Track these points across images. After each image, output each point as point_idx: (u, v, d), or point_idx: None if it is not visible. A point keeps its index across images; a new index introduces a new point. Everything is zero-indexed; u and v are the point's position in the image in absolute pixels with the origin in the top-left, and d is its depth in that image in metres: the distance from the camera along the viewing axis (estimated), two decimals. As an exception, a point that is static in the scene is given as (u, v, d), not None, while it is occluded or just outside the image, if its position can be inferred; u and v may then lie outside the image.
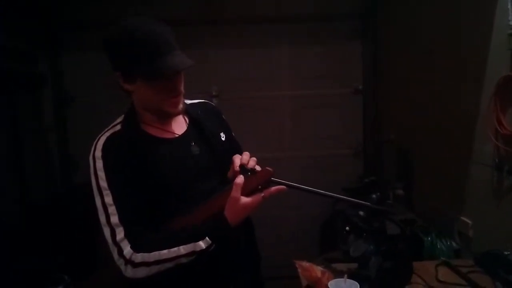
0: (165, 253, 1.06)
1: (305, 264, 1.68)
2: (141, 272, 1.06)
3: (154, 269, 1.06)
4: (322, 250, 3.19)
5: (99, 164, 1.11)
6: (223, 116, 1.40)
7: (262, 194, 1.12)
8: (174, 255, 1.06)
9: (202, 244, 1.07)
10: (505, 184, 1.71)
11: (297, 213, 3.43)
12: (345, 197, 1.24)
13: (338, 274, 1.66)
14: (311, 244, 3.37)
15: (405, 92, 2.77)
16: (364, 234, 1.82)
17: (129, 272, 1.06)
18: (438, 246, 2.00)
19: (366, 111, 3.35)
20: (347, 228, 1.78)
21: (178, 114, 1.21)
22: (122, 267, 1.07)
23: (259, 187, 1.14)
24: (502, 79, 1.66)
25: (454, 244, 2.02)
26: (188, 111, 1.28)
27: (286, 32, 3.26)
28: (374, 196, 1.85)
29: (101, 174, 1.10)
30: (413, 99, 2.62)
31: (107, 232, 1.08)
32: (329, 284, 1.39)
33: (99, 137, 1.16)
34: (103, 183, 1.10)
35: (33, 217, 2.70)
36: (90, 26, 3.08)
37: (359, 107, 3.36)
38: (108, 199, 1.09)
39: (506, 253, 1.65)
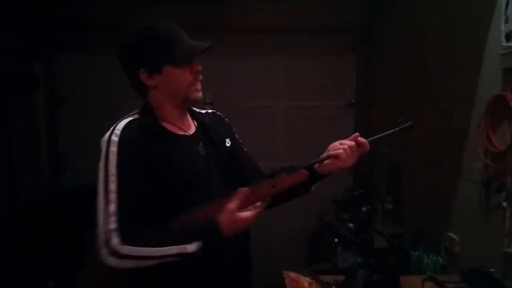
0: (153, 250, 1.06)
1: (293, 274, 1.69)
2: (126, 264, 1.06)
3: (139, 263, 1.07)
4: (310, 261, 3.19)
5: (114, 148, 1.12)
6: (231, 125, 1.45)
7: (258, 209, 1.14)
8: (161, 253, 1.07)
9: (190, 248, 1.08)
10: (492, 202, 1.73)
11: (286, 224, 3.42)
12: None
13: (325, 285, 1.66)
14: (299, 255, 3.36)
15: (397, 107, 2.80)
16: (353, 247, 1.83)
17: (112, 262, 1.06)
18: (425, 261, 2.01)
19: (358, 124, 3.37)
20: (335, 240, 1.79)
21: (200, 100, 1.25)
22: (105, 256, 1.06)
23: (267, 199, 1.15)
24: (493, 98, 1.69)
25: (440, 259, 2.03)
26: (196, 116, 1.34)
27: (282, 43, 3.28)
28: (364, 208, 1.86)
29: (113, 158, 1.11)
30: (405, 114, 2.64)
31: (100, 217, 1.08)
32: (316, 295, 1.39)
33: (118, 122, 1.18)
34: (112, 168, 1.10)
35: (22, 218, 2.67)
36: (86, 27, 3.09)
37: (350, 120, 3.39)
38: (113, 185, 1.09)
39: (491, 270, 1.66)
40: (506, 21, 1.64)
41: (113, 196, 1.08)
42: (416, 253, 2.05)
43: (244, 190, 1.13)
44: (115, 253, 1.05)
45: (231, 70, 3.26)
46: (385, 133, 1.27)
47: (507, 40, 1.64)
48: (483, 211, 1.80)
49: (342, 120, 3.36)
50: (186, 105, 1.28)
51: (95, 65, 3.12)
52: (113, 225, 1.06)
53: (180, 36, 1.20)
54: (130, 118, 1.21)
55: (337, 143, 1.23)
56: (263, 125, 3.32)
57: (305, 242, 3.37)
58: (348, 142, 1.21)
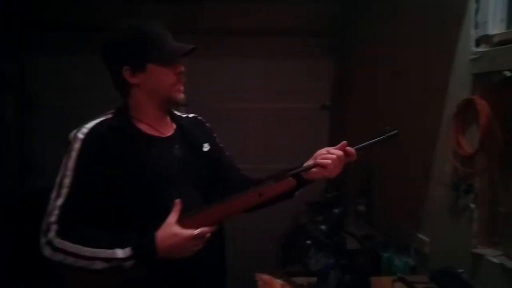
0: (84, 249, 1.06)
1: (265, 277, 1.68)
2: (58, 257, 1.07)
3: (70, 260, 1.06)
4: (283, 263, 3.18)
5: (77, 145, 1.13)
6: (212, 130, 1.45)
7: (196, 231, 1.09)
8: (91, 254, 1.06)
9: (120, 253, 1.05)
10: (461, 204, 1.77)
11: (260, 227, 3.41)
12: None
13: (297, 287, 1.66)
14: (273, 258, 3.36)
15: (370, 110, 2.84)
16: (325, 248, 1.83)
17: (47, 252, 1.07)
18: (395, 262, 2.03)
19: (332, 127, 3.40)
20: (308, 241, 1.80)
21: (182, 101, 1.26)
22: (42, 245, 1.08)
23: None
24: (463, 102, 1.73)
25: (410, 260, 2.06)
26: (175, 119, 1.33)
27: (258, 45, 3.28)
28: (336, 210, 1.87)
29: (74, 155, 1.12)
30: (377, 117, 2.68)
31: (48, 207, 1.10)
32: (288, 297, 1.38)
33: (90, 121, 1.18)
34: (71, 165, 1.11)
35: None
36: (58, 27, 3.02)
37: (325, 122, 3.41)
38: (66, 181, 1.10)
39: (460, 271, 1.69)
40: (476, 27, 1.68)
41: (64, 191, 1.10)
42: (387, 254, 2.08)
43: (177, 200, 1.11)
44: (50, 244, 1.07)
45: (207, 71, 3.24)
46: (372, 141, 1.24)
47: (477, 45, 1.68)
48: (452, 212, 1.84)
49: (317, 123, 3.39)
50: (167, 105, 1.27)
51: (70, 65, 3.06)
52: (54, 218, 1.08)
53: (165, 36, 1.21)
54: (102, 118, 1.20)
55: (324, 151, 1.21)
56: (238, 127, 3.31)
57: (279, 244, 3.37)
58: (336, 152, 1.19)
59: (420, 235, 2.07)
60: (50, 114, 3.07)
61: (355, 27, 3.13)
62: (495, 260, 1.57)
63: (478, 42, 1.67)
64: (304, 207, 3.15)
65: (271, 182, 1.16)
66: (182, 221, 1.10)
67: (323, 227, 1.83)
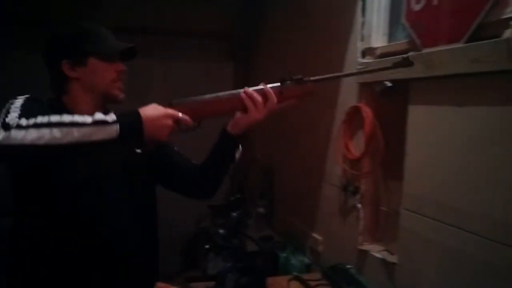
0: (56, 116, 0.97)
1: (162, 285, 1.64)
2: (19, 135, 0.93)
3: (35, 134, 0.94)
4: (184, 269, 3.14)
5: (21, 98, 1.08)
6: None
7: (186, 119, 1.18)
8: (62, 120, 0.96)
9: (100, 115, 1.01)
10: (349, 203, 1.89)
11: (163, 231, 3.32)
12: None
13: (194, 293, 1.64)
14: (174, 264, 3.29)
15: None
16: (224, 252, 1.84)
17: (8, 137, 0.93)
18: (292, 262, 2.11)
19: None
20: (206, 246, 1.79)
21: (121, 100, 1.24)
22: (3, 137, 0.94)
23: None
24: (351, 109, 1.85)
25: (306, 259, 2.16)
26: None
27: (159, 45, 3.19)
28: (234, 214, 1.89)
29: (19, 101, 1.06)
30: (277, 121, 2.76)
31: None
32: (182, 304, 1.36)
33: None
34: (17, 104, 1.04)
35: None
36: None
37: (228, 126, 3.43)
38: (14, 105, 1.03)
39: (348, 267, 1.81)
40: (362, 40, 1.81)
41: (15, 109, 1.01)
42: (284, 254, 2.15)
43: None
44: (7, 126, 0.94)
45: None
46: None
47: (363, 56, 1.81)
48: (342, 212, 1.96)
49: (220, 127, 3.39)
50: (104, 103, 1.24)
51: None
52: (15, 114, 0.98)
53: (107, 34, 1.23)
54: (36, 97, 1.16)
55: None
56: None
57: (181, 249, 3.31)
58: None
59: (315, 234, 2.18)
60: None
61: (257, 31, 3.21)
62: (377, 255, 1.70)
63: (363, 54, 1.80)
64: (207, 210, 3.14)
65: (291, 84, 1.26)
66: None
67: (221, 230, 1.84)
